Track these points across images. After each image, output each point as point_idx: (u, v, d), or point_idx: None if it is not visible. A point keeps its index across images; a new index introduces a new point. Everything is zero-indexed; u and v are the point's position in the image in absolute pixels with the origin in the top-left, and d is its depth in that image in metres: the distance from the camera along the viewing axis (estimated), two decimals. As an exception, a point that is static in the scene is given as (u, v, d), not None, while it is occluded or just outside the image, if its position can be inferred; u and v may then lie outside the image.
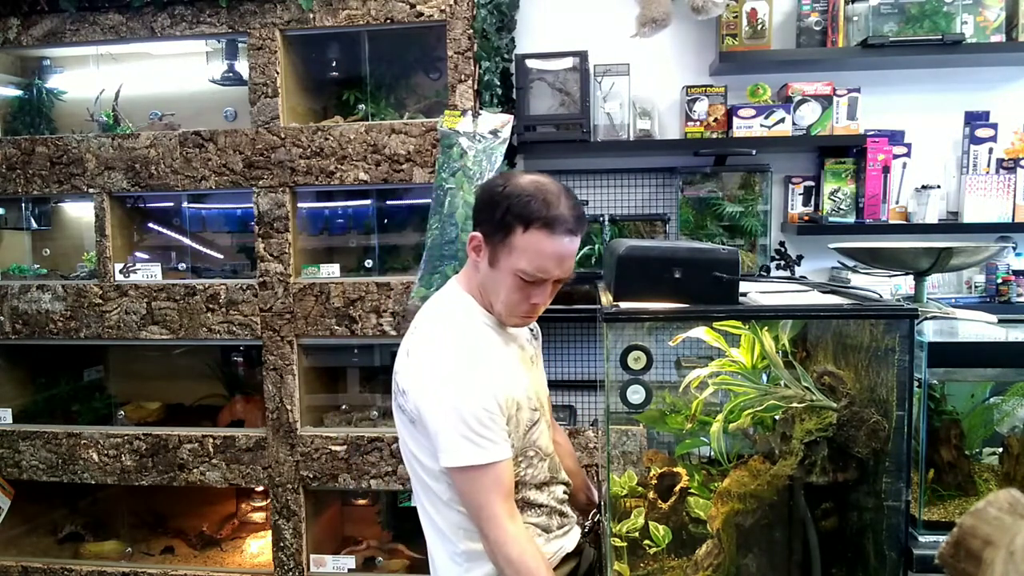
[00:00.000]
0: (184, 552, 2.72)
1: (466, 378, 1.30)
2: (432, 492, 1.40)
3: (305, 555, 2.48)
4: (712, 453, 1.50)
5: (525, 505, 1.42)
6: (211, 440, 2.48)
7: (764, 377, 1.37)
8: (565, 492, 1.53)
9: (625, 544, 1.36)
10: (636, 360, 1.35)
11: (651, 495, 1.46)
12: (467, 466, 1.28)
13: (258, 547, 2.73)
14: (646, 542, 1.38)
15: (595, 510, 1.69)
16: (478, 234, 1.37)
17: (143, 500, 2.84)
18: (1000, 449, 1.42)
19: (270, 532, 2.51)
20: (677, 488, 1.43)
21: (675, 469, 1.48)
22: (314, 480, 2.43)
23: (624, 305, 1.22)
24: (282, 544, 2.47)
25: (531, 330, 1.59)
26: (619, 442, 1.91)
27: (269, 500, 2.49)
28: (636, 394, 1.34)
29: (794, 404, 1.27)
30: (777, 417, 1.31)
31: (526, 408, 1.40)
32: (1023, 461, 1.34)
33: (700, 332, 1.38)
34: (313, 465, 2.42)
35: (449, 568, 1.42)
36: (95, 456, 2.54)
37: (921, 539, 1.26)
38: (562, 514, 1.50)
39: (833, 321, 1.39)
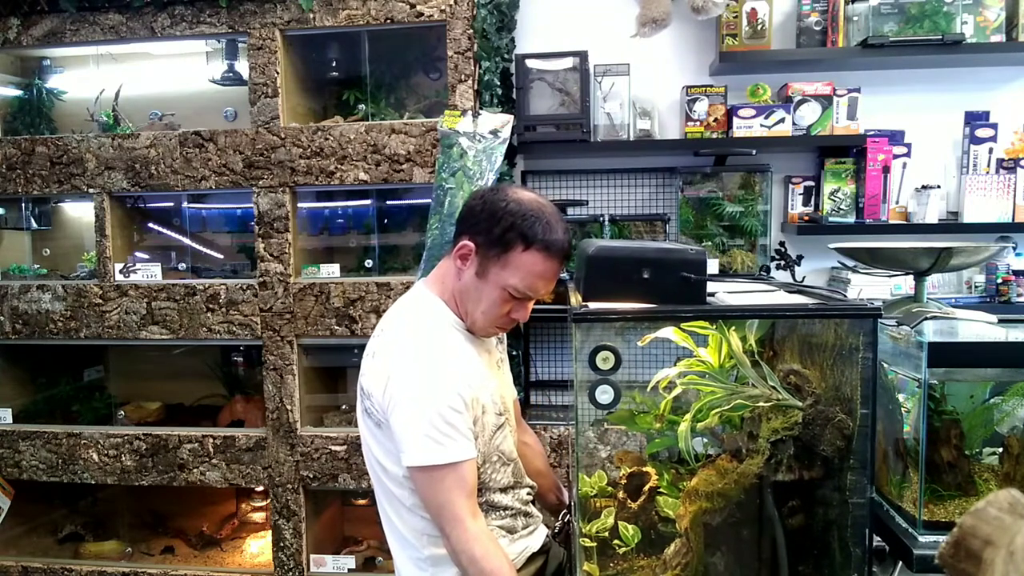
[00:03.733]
0: (184, 552, 2.73)
1: (431, 378, 1.31)
2: (395, 498, 1.40)
3: (305, 555, 2.48)
4: (680, 452, 1.51)
5: (489, 508, 1.42)
6: (211, 440, 2.48)
7: (732, 377, 1.38)
8: (529, 493, 1.53)
9: (595, 544, 1.37)
10: (605, 360, 1.35)
11: (621, 495, 1.46)
12: (430, 465, 1.28)
13: (258, 547, 2.73)
14: (615, 542, 1.38)
15: (565, 510, 1.69)
16: (470, 243, 1.38)
17: (143, 500, 2.84)
18: (1000, 449, 1.42)
19: (270, 532, 2.51)
20: (646, 488, 1.43)
21: (645, 469, 1.48)
22: (314, 480, 2.43)
23: (593, 305, 1.22)
24: (282, 544, 2.47)
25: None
26: (619, 442, 1.91)
27: (269, 500, 2.49)
28: (605, 394, 1.34)
29: (761, 403, 1.28)
30: (744, 416, 1.32)
31: (491, 412, 1.41)
32: (1023, 461, 1.34)
33: (668, 332, 1.39)
34: (313, 465, 2.42)
35: (413, 574, 1.42)
36: (95, 456, 2.54)
37: (921, 539, 1.26)
38: (527, 515, 1.50)
39: (798, 320, 1.39)
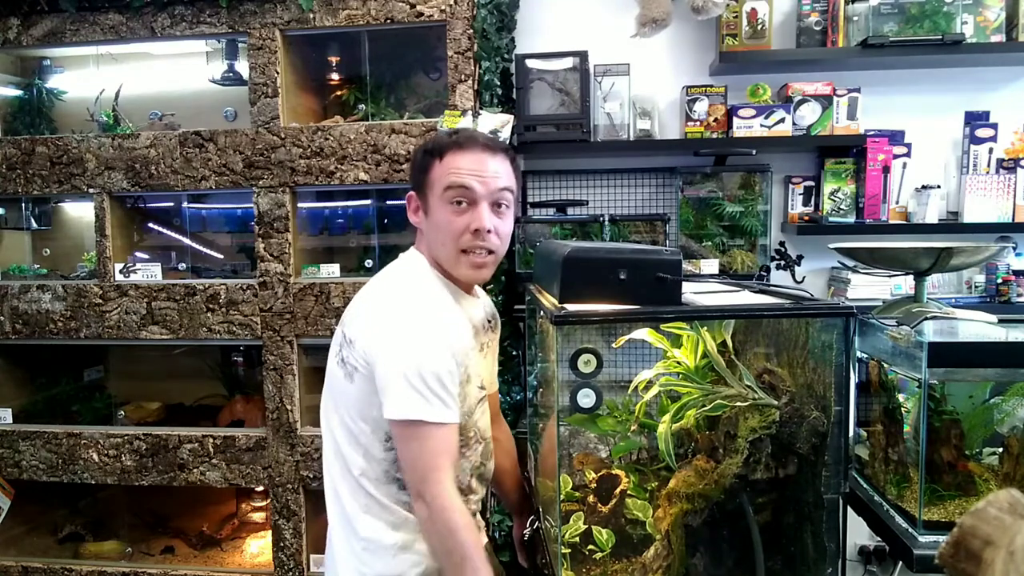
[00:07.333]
0: (184, 552, 2.72)
1: (427, 332, 1.26)
2: (344, 462, 1.33)
3: (305, 555, 2.48)
4: (636, 454, 1.52)
5: None
6: (211, 440, 2.48)
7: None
8: (480, 502, 1.48)
9: (568, 551, 1.35)
10: (587, 363, 1.35)
11: (591, 499, 1.45)
12: (416, 420, 1.21)
13: (258, 547, 2.73)
14: (589, 547, 1.37)
15: (533, 516, 1.64)
16: (411, 193, 1.41)
17: (143, 500, 2.84)
18: (1000, 449, 1.42)
19: (270, 532, 2.51)
20: (617, 491, 1.42)
21: (613, 471, 1.47)
22: (314, 480, 2.43)
23: (571, 307, 1.21)
24: (282, 544, 2.47)
25: (489, 321, 1.54)
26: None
27: (269, 500, 2.49)
28: (587, 398, 1.34)
29: (738, 403, 1.28)
30: (720, 415, 1.32)
31: (474, 384, 1.37)
32: (1023, 461, 1.34)
33: (642, 333, 1.38)
34: (313, 465, 2.42)
35: (346, 559, 1.35)
36: (95, 456, 2.54)
37: (921, 539, 1.26)
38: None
39: (763, 320, 1.40)
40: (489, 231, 1.33)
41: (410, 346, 1.24)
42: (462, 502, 1.27)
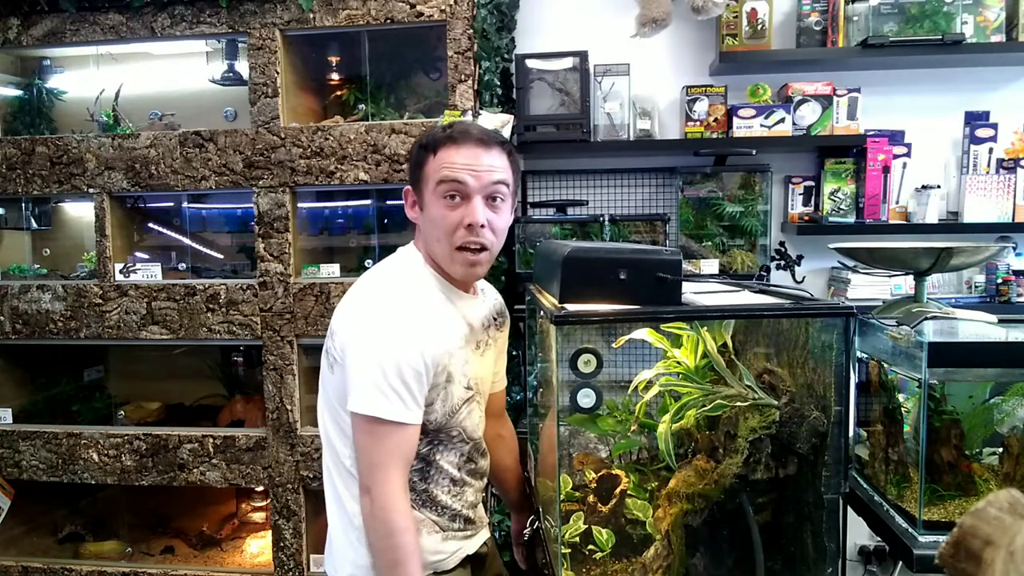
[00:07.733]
0: (184, 552, 2.73)
1: (399, 329, 1.26)
2: (336, 454, 1.35)
3: (305, 555, 2.48)
4: (636, 454, 1.52)
5: (428, 501, 1.37)
6: (211, 440, 2.48)
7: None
8: (477, 494, 1.47)
9: (568, 551, 1.35)
10: (587, 363, 1.35)
11: (591, 499, 1.45)
12: (371, 416, 1.23)
13: (258, 547, 2.73)
14: (589, 547, 1.37)
15: (533, 516, 1.64)
16: (407, 188, 1.41)
17: (143, 500, 2.84)
18: (1000, 449, 1.42)
19: (270, 532, 2.51)
20: (617, 491, 1.42)
21: (614, 471, 1.47)
22: (314, 480, 2.43)
23: (571, 307, 1.21)
24: (282, 544, 2.47)
25: (495, 319, 1.53)
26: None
27: (269, 500, 2.49)
28: (587, 398, 1.34)
29: (738, 403, 1.28)
30: (719, 415, 1.32)
31: (459, 384, 1.36)
32: (1023, 461, 1.34)
33: (643, 333, 1.38)
34: (313, 465, 2.42)
35: (343, 548, 1.36)
36: (95, 456, 2.54)
37: (921, 539, 1.26)
38: (468, 520, 1.44)
39: (763, 320, 1.40)
40: (482, 225, 1.33)
41: (379, 341, 1.25)
42: (408, 504, 1.27)
